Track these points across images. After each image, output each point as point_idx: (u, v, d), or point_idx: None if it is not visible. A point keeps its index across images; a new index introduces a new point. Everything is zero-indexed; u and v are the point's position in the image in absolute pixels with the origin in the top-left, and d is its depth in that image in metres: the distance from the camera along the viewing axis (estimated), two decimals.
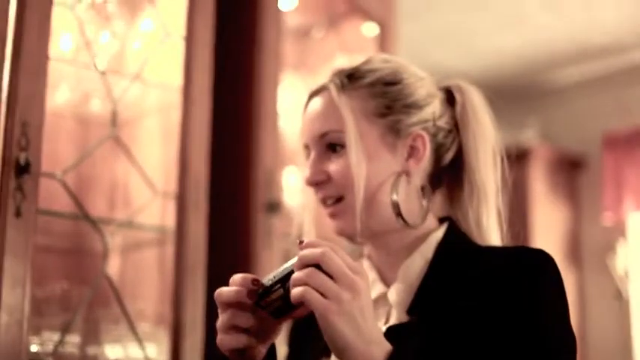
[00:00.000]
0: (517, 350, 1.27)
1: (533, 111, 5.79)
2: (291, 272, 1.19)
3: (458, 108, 1.52)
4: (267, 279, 1.23)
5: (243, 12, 2.84)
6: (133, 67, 2.58)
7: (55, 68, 2.29)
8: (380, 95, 1.45)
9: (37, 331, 2.22)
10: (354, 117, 1.43)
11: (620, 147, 5.46)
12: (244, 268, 2.63)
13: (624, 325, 5.35)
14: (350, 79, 1.47)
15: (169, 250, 2.51)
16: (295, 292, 1.15)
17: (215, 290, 1.26)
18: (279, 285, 1.21)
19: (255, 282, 1.24)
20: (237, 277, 1.25)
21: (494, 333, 1.29)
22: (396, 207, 1.43)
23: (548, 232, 5.40)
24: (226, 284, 1.28)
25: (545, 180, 5.52)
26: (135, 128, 2.70)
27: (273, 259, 2.68)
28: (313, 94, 1.51)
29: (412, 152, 1.46)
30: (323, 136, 1.45)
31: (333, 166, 1.44)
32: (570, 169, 5.74)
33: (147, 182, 2.51)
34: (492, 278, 1.34)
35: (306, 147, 1.50)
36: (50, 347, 2.23)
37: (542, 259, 1.36)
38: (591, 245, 5.58)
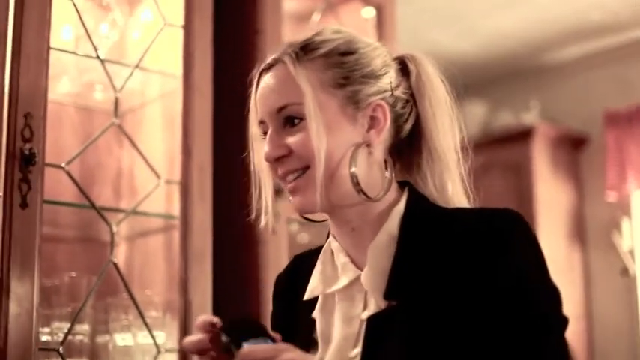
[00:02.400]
0: (508, 327, 1.26)
1: (535, 90, 5.79)
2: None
3: (413, 77, 1.49)
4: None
5: None
6: (134, 56, 2.58)
7: (56, 59, 2.30)
8: (336, 65, 1.42)
9: (46, 320, 2.24)
10: (312, 88, 1.39)
11: (622, 124, 5.45)
12: (251, 253, 2.64)
13: (631, 302, 5.36)
14: (304, 50, 1.42)
15: (175, 237, 2.52)
16: None
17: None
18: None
19: (213, 325, 1.22)
20: (198, 322, 1.23)
21: (478, 314, 1.27)
22: (355, 179, 1.40)
23: (552, 210, 5.40)
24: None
25: (548, 159, 5.51)
26: (137, 117, 2.72)
27: (279, 244, 2.69)
28: (264, 70, 1.46)
29: (373, 123, 1.43)
30: (280, 109, 1.40)
31: (293, 139, 1.39)
32: (573, 148, 5.74)
33: (151, 170, 2.51)
34: (464, 249, 1.33)
35: (262, 123, 1.45)
36: (60, 336, 2.24)
37: (512, 219, 1.35)
38: (596, 223, 5.58)
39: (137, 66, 2.54)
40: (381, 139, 1.44)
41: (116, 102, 2.46)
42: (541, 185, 5.38)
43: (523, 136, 5.34)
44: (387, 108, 1.43)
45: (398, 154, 1.51)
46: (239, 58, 2.82)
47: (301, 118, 1.39)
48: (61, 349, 2.21)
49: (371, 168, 1.43)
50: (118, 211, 2.55)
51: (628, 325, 5.35)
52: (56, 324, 2.26)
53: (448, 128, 1.49)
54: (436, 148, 1.47)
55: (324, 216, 1.48)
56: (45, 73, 2.16)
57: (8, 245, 2.02)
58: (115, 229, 2.39)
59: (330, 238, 1.51)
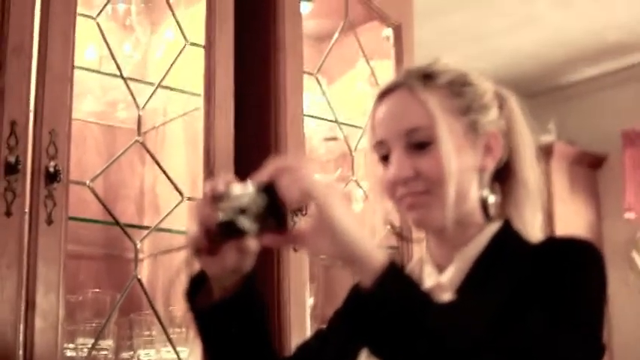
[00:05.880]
0: (546, 328, 1.28)
1: (552, 111, 5.78)
2: (252, 194, 1.25)
3: (506, 111, 1.58)
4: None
5: (263, 16, 2.85)
6: (156, 75, 2.60)
7: (79, 78, 2.32)
8: (459, 94, 1.50)
9: (71, 336, 2.25)
10: (442, 113, 1.46)
11: None
12: (273, 268, 2.65)
13: None
14: (428, 78, 1.50)
15: None
16: (295, 188, 1.19)
17: None
18: (236, 194, 1.27)
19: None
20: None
21: (520, 299, 1.32)
22: (483, 202, 1.51)
23: (570, 230, 5.35)
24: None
25: (566, 179, 5.51)
26: (160, 135, 2.73)
27: (301, 261, 2.69)
28: (385, 93, 1.53)
29: (487, 151, 1.53)
30: (409, 132, 1.47)
31: (423, 162, 1.46)
32: (591, 168, 5.74)
33: (174, 188, 2.53)
34: (536, 264, 1.38)
35: (379, 144, 1.52)
36: (85, 352, 2.25)
37: (587, 247, 1.41)
38: (614, 242, 5.55)
39: (159, 85, 2.56)
40: (493, 165, 1.54)
41: (139, 120, 2.48)
42: (559, 205, 5.37)
43: (541, 156, 5.33)
44: (500, 137, 1.54)
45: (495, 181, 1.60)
46: (260, 75, 2.83)
47: (430, 142, 1.46)
48: None
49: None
50: (141, 227, 2.56)
51: None
52: (80, 339, 2.28)
53: (535, 162, 1.60)
54: (525, 179, 1.57)
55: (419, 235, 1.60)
56: (69, 90, 2.18)
57: (34, 261, 2.04)
58: (138, 245, 2.41)
59: (424, 252, 1.59)
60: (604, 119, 5.73)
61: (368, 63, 3.22)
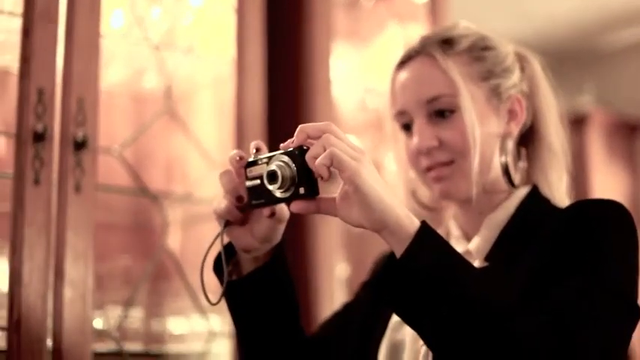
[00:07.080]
0: (577, 293, 1.24)
1: (589, 75, 5.70)
2: (280, 153, 1.23)
3: (528, 72, 1.55)
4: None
5: None
6: (185, 41, 2.57)
7: (107, 45, 2.29)
8: (480, 59, 1.47)
9: (100, 305, 2.25)
10: (464, 80, 1.43)
11: None
12: (302, 238, 2.63)
13: None
14: (447, 44, 1.47)
15: None
16: (323, 157, 1.15)
17: None
18: (265, 160, 1.26)
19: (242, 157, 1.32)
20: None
21: (555, 277, 1.28)
22: (505, 168, 1.47)
23: (607, 197, 5.31)
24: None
25: (603, 145, 5.42)
26: (189, 102, 2.71)
27: (330, 232, 2.67)
28: (405, 61, 1.50)
29: (512, 115, 1.50)
30: (431, 100, 1.44)
31: (446, 132, 1.44)
32: (628, 134, 5.64)
33: (204, 155, 2.50)
34: (564, 227, 1.34)
35: (401, 114, 1.49)
36: (114, 321, 2.24)
37: (614, 207, 1.36)
38: None
39: (188, 51, 2.53)
40: (517, 130, 1.52)
41: (167, 88, 2.46)
42: (596, 172, 5.29)
43: (578, 121, 5.25)
44: (523, 101, 1.51)
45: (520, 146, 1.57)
46: (290, 41, 2.80)
47: (452, 110, 1.44)
48: (115, 333, 2.22)
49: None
50: (170, 196, 2.54)
51: None
52: (110, 309, 2.27)
53: (559, 124, 1.56)
54: (551, 142, 1.54)
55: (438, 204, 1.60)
56: (96, 58, 2.16)
57: (63, 230, 2.02)
58: (168, 214, 2.39)
59: (450, 221, 1.57)
60: None
61: (400, 27, 3.17)
